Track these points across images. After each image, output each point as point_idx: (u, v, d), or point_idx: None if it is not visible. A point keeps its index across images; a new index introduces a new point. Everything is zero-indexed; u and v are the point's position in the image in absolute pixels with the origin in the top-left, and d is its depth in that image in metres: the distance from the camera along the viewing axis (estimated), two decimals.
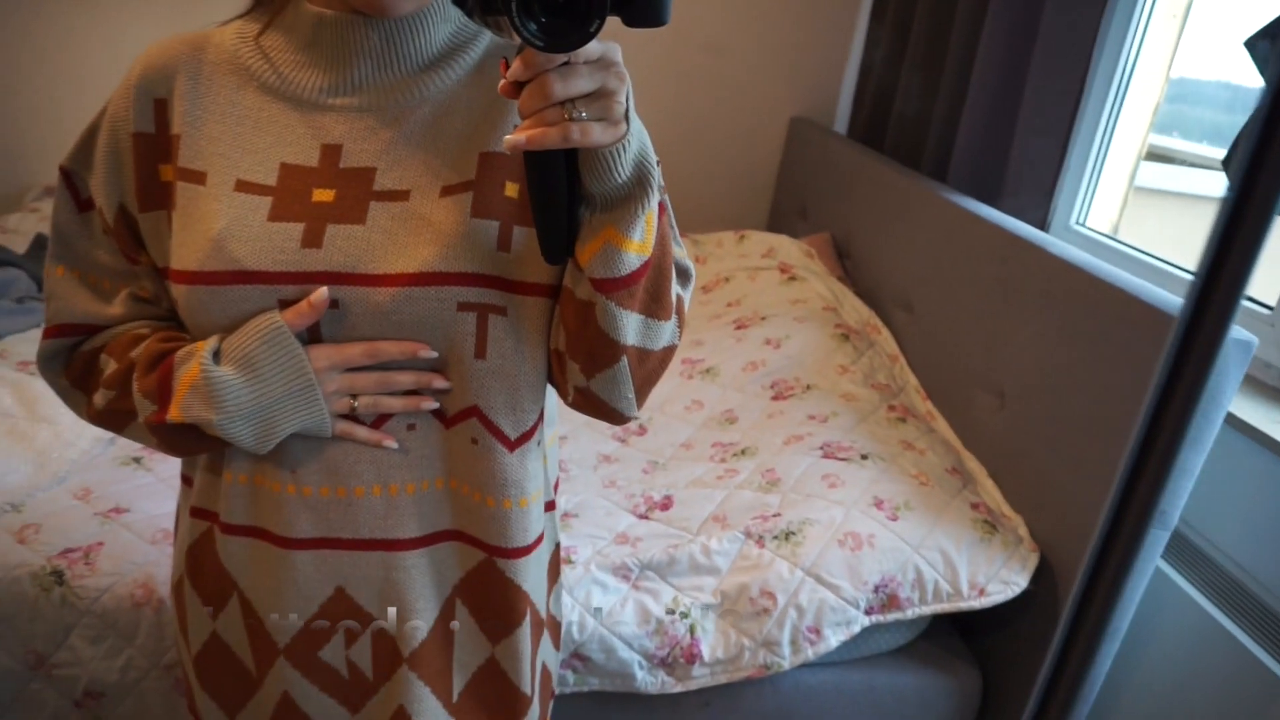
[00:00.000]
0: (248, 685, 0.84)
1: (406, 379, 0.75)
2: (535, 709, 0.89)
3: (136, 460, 1.56)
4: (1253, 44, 1.33)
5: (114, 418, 0.79)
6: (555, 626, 0.94)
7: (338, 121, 0.75)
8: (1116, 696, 1.44)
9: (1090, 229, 1.96)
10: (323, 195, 0.74)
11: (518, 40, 0.55)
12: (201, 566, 0.82)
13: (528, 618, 0.84)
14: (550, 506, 0.88)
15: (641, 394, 0.76)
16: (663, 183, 0.77)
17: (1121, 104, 1.92)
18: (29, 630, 1.27)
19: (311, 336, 0.73)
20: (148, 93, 0.75)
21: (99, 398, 0.79)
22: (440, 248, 0.72)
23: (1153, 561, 1.30)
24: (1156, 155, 2.62)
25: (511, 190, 0.74)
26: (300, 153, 0.75)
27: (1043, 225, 1.98)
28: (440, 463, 0.79)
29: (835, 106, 2.91)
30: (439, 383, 0.75)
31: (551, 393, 0.85)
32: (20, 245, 2.29)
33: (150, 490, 1.48)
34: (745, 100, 2.88)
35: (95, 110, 2.65)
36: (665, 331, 0.74)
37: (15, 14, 2.54)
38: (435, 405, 0.76)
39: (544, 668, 0.92)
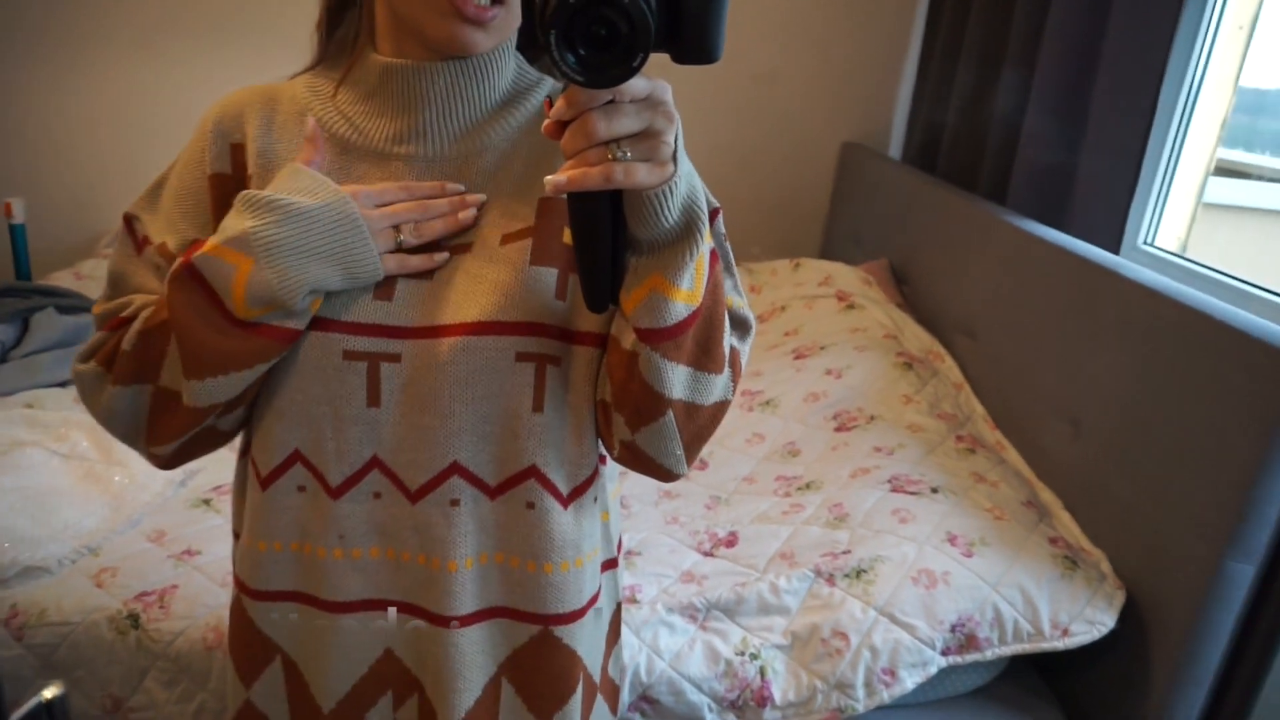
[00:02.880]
0: None
1: (442, 203, 0.73)
2: None
3: (206, 502, 1.59)
4: None
5: (140, 350, 0.72)
6: (612, 690, 0.91)
7: (404, 172, 0.76)
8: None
9: (1159, 248, 1.90)
10: None
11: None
12: (236, 632, 0.82)
13: (580, 687, 0.82)
14: (610, 565, 0.86)
15: (691, 451, 0.73)
16: (724, 230, 0.76)
17: (1190, 117, 1.86)
18: (106, 674, 1.29)
19: (371, 391, 0.73)
20: (224, 136, 0.78)
21: (127, 340, 0.73)
22: (499, 297, 0.72)
23: None
24: (1225, 170, 2.54)
25: (569, 237, 0.74)
26: None
27: (1115, 247, 1.93)
28: (487, 537, 0.76)
29: (889, 131, 2.88)
30: (472, 198, 0.74)
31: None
32: (94, 291, 2.37)
33: (220, 532, 1.50)
34: (796, 127, 2.87)
35: (165, 159, 2.72)
36: (717, 386, 0.70)
37: (91, 67, 2.65)
38: (474, 214, 0.74)
39: None
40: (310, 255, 0.69)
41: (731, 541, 1.51)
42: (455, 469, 0.74)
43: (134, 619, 1.30)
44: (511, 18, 0.72)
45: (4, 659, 1.29)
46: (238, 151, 0.78)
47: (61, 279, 2.46)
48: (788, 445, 1.79)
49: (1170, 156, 1.90)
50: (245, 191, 0.70)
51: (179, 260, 0.70)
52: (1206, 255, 1.92)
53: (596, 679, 0.86)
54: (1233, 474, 1.19)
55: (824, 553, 1.41)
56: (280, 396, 0.74)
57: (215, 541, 1.47)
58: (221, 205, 0.77)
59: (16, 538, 1.39)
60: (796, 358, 2.04)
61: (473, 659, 0.77)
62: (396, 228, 0.72)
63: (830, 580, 1.36)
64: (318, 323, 0.73)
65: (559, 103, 0.54)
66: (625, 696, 1.27)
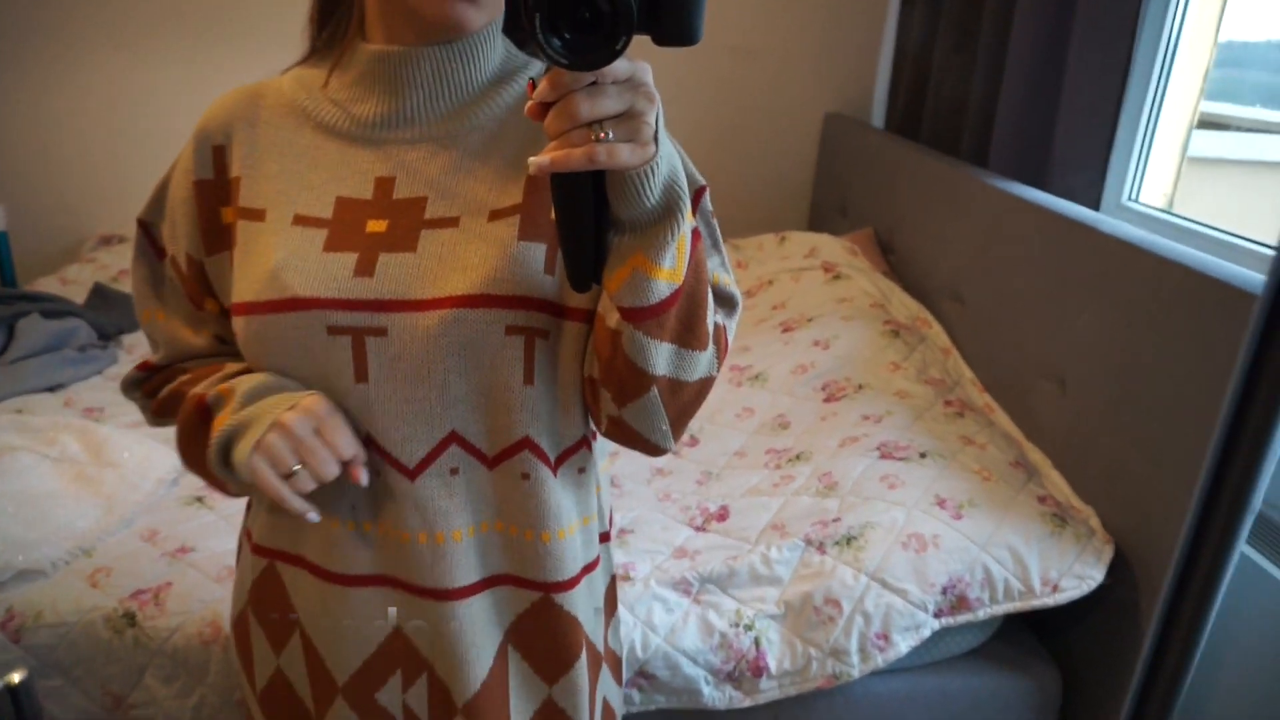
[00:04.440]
0: None
1: (334, 466, 0.73)
2: None
3: (199, 500, 1.59)
4: None
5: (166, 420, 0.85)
6: (615, 661, 0.92)
7: (391, 154, 0.77)
8: (1209, 686, 1.38)
9: (1144, 204, 1.89)
10: (376, 226, 0.75)
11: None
12: (266, 602, 0.83)
13: (584, 652, 0.83)
14: (605, 538, 0.86)
15: (677, 426, 0.74)
16: (710, 207, 0.76)
17: (1169, 72, 1.85)
18: (105, 673, 1.30)
19: (358, 366, 0.73)
20: (207, 141, 0.79)
21: (152, 415, 0.86)
22: (488, 271, 0.72)
23: (1238, 548, 1.24)
24: (1209, 123, 2.52)
25: None
26: (355, 186, 0.77)
27: (1095, 205, 1.92)
28: (487, 506, 0.78)
29: (870, 100, 2.87)
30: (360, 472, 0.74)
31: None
32: (79, 295, 2.36)
33: (213, 528, 1.50)
34: (778, 100, 2.86)
35: (150, 162, 2.74)
36: (701, 362, 0.71)
37: (76, 70, 2.63)
38: (367, 482, 0.74)
39: (605, 703, 0.90)
40: (235, 438, 0.74)
41: (723, 515, 1.52)
42: (454, 438, 0.75)
43: (130, 617, 1.31)
44: None
45: (2, 662, 1.30)
46: (219, 154, 0.79)
47: (46, 285, 2.46)
48: (777, 418, 1.79)
49: (1151, 112, 1.89)
50: (225, 424, 0.74)
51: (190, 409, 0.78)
52: (1194, 209, 1.91)
53: (600, 649, 0.87)
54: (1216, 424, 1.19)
55: (814, 521, 1.42)
56: None
57: (209, 538, 1.47)
58: (205, 211, 0.78)
59: (10, 541, 1.39)
60: (784, 331, 2.04)
61: (481, 628, 0.79)
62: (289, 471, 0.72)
63: (821, 548, 1.37)
64: (298, 301, 0.73)
65: (542, 84, 0.55)
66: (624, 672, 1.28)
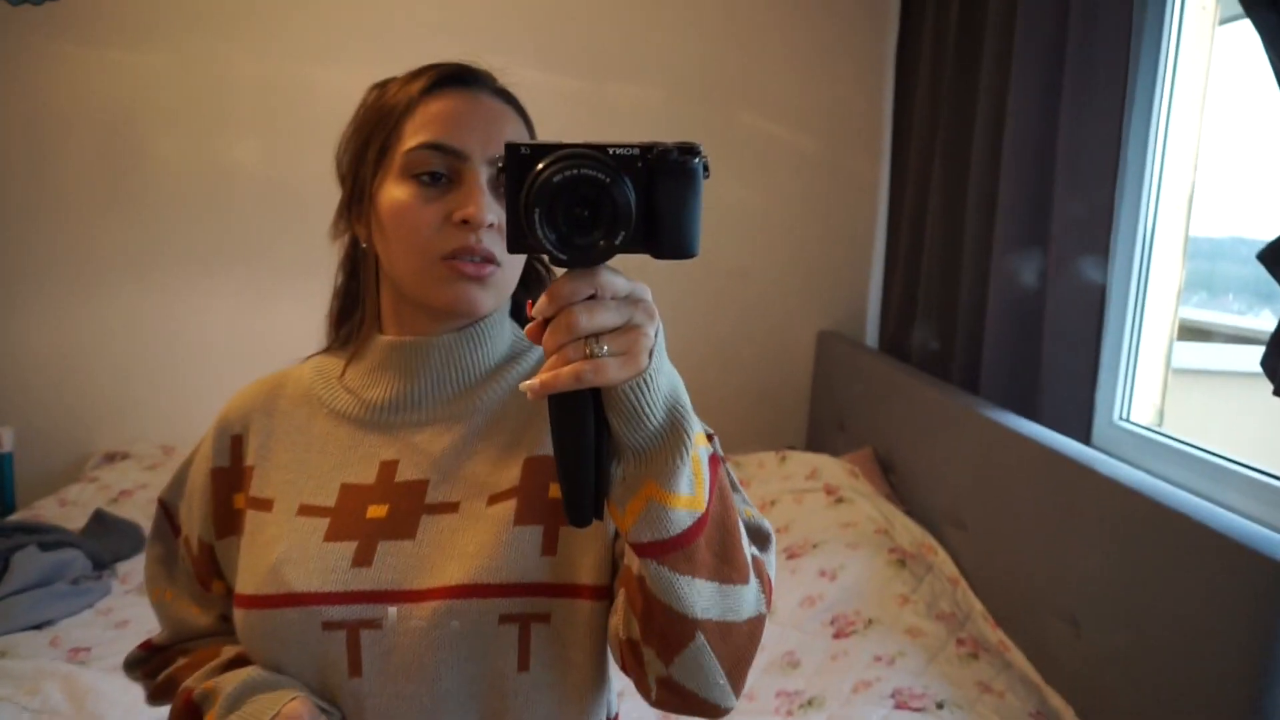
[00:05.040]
0: None
1: None
2: None
3: None
4: (1268, 259, 1.35)
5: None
6: None
7: (399, 437, 0.79)
8: None
9: (1135, 424, 1.92)
10: (376, 511, 0.76)
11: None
12: None
13: None
14: None
15: (734, 677, 0.66)
16: (722, 452, 0.73)
17: (1147, 281, 1.90)
18: None
19: (352, 661, 0.72)
20: (226, 430, 0.83)
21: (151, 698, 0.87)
22: (484, 559, 0.72)
23: None
24: (1191, 330, 2.61)
25: (555, 492, 0.75)
26: (360, 471, 0.79)
27: (1086, 429, 1.96)
28: None
29: (864, 319, 2.98)
30: None
31: (609, 692, 0.80)
32: (78, 518, 2.34)
33: None
34: (773, 318, 2.97)
35: (158, 381, 2.81)
36: (747, 597, 0.65)
37: (85, 292, 2.74)
38: None
39: None
40: None
41: None
42: None
43: None
44: (506, 277, 0.78)
45: None
46: (236, 444, 0.83)
47: (46, 506, 2.45)
48: (786, 655, 1.74)
49: (1133, 326, 1.93)
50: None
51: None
52: (1183, 424, 1.94)
53: None
54: (1239, 686, 1.16)
55: None
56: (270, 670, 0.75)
57: None
58: (219, 497, 0.81)
59: None
60: (790, 557, 2.02)
61: None
62: None
63: None
64: (296, 597, 0.73)
65: (541, 300, 0.55)
66: None
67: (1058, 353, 1.95)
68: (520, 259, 0.82)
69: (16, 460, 2.68)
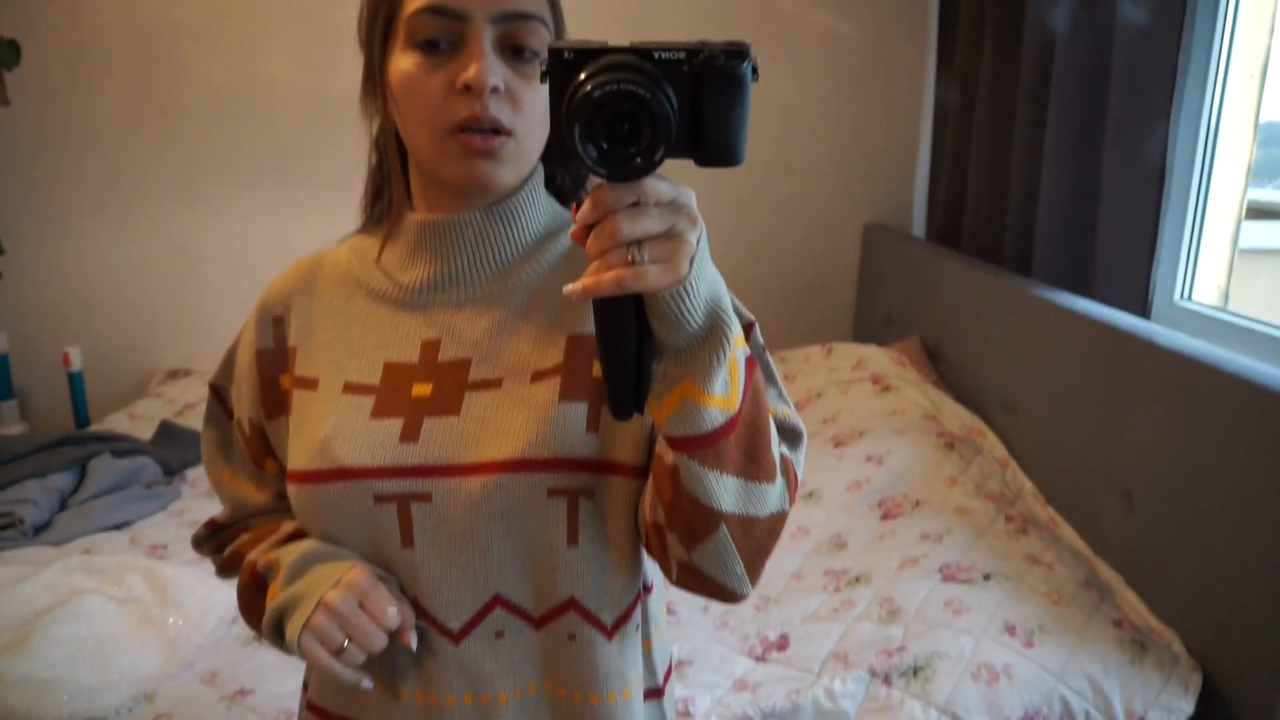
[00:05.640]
0: None
1: (383, 638, 0.73)
2: None
3: (258, 638, 1.60)
4: None
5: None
6: None
7: (437, 317, 0.79)
8: None
9: (1197, 303, 1.86)
10: (421, 390, 0.77)
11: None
12: None
13: None
14: (653, 694, 0.84)
15: (752, 568, 0.70)
16: (762, 341, 0.76)
17: (1212, 160, 1.83)
18: None
19: (404, 532, 0.75)
20: (268, 313, 0.84)
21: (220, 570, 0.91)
22: (531, 434, 0.73)
23: None
24: (1259, 211, 2.49)
25: (599, 371, 0.75)
26: (403, 351, 0.79)
27: (1144, 308, 1.90)
28: (534, 667, 0.77)
29: (910, 210, 2.91)
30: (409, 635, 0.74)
31: (655, 570, 0.83)
32: (146, 431, 2.44)
33: (272, 669, 1.51)
34: (817, 212, 2.91)
35: (213, 302, 2.89)
36: (771, 496, 0.68)
37: (144, 206, 2.80)
38: (416, 647, 0.74)
39: None
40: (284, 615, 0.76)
41: (783, 644, 1.48)
42: (498, 601, 0.75)
43: None
44: (523, 146, 0.76)
45: None
46: (279, 325, 0.84)
47: (116, 420, 2.56)
48: (834, 537, 1.76)
49: (1197, 204, 1.85)
50: (274, 601, 0.77)
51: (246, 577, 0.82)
52: (1250, 303, 1.86)
53: None
54: None
55: (878, 650, 1.37)
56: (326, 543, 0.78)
57: (267, 679, 1.47)
58: (265, 379, 0.83)
59: (74, 688, 1.41)
60: (836, 445, 2.03)
61: None
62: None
63: (887, 680, 1.32)
64: (347, 471, 0.75)
65: (585, 206, 0.55)
66: None
67: (1113, 234, 1.88)
68: (539, 126, 0.78)
69: (87, 378, 2.78)
